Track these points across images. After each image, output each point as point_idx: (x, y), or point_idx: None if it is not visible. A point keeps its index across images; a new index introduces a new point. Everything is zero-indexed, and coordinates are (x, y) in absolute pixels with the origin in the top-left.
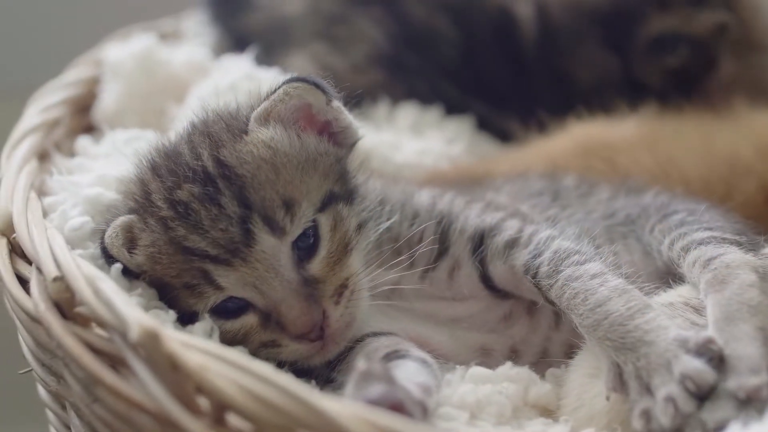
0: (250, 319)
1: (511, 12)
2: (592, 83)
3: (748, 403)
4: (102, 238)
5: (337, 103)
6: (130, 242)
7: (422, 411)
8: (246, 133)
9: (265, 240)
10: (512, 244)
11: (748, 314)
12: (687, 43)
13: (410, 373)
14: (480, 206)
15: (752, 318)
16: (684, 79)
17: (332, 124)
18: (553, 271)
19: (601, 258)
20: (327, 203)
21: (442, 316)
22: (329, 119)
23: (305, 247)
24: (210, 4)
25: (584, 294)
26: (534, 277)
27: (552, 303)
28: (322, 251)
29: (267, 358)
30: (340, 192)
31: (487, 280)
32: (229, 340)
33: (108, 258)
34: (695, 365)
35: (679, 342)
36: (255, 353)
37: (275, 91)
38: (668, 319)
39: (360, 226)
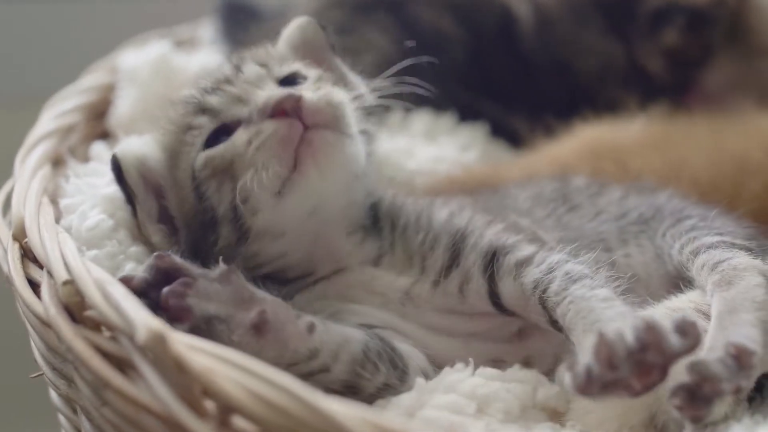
0: (238, 134)
1: (510, 7)
2: (596, 73)
3: (737, 369)
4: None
5: (339, 60)
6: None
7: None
8: None
9: (251, 68)
10: (524, 263)
11: (752, 308)
12: (684, 13)
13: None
14: (500, 227)
15: (756, 312)
16: (683, 65)
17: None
18: (563, 289)
19: (611, 288)
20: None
21: (457, 331)
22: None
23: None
24: (220, 16)
25: (586, 312)
26: (543, 292)
27: (555, 323)
28: (308, 82)
29: (256, 170)
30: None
31: (494, 297)
32: (220, 169)
33: (117, 173)
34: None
35: None
36: (243, 169)
37: None
38: None
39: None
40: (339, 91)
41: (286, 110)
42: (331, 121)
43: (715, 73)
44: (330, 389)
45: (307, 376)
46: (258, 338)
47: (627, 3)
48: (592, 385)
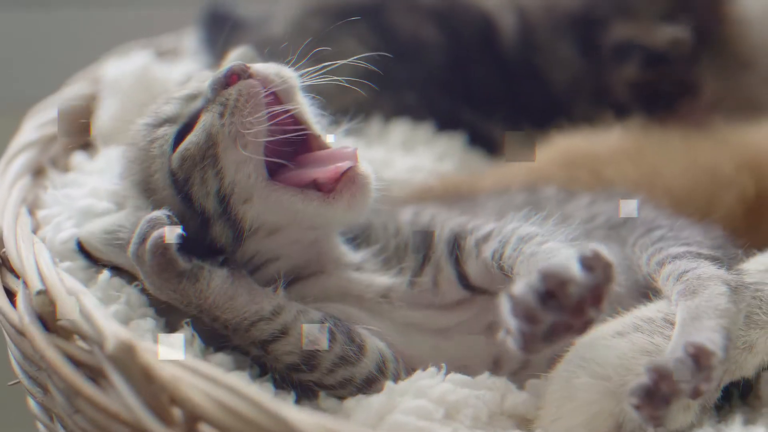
0: (203, 117)
1: (491, 14)
2: (566, 87)
3: (696, 369)
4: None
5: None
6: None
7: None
8: None
9: (203, 73)
10: (483, 239)
11: (715, 315)
12: (642, 53)
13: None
14: (464, 217)
15: (718, 318)
16: (656, 99)
17: None
18: (515, 250)
19: (564, 232)
20: None
21: (429, 325)
22: None
23: None
24: (203, 26)
25: (525, 255)
26: (500, 259)
27: None
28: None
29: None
30: None
31: (463, 280)
32: (199, 156)
33: (85, 255)
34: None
35: None
36: (224, 143)
37: None
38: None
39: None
40: (288, 68)
41: (238, 75)
42: (282, 89)
43: (698, 100)
44: (288, 366)
45: (266, 345)
46: (233, 281)
47: (593, 28)
48: (528, 342)
